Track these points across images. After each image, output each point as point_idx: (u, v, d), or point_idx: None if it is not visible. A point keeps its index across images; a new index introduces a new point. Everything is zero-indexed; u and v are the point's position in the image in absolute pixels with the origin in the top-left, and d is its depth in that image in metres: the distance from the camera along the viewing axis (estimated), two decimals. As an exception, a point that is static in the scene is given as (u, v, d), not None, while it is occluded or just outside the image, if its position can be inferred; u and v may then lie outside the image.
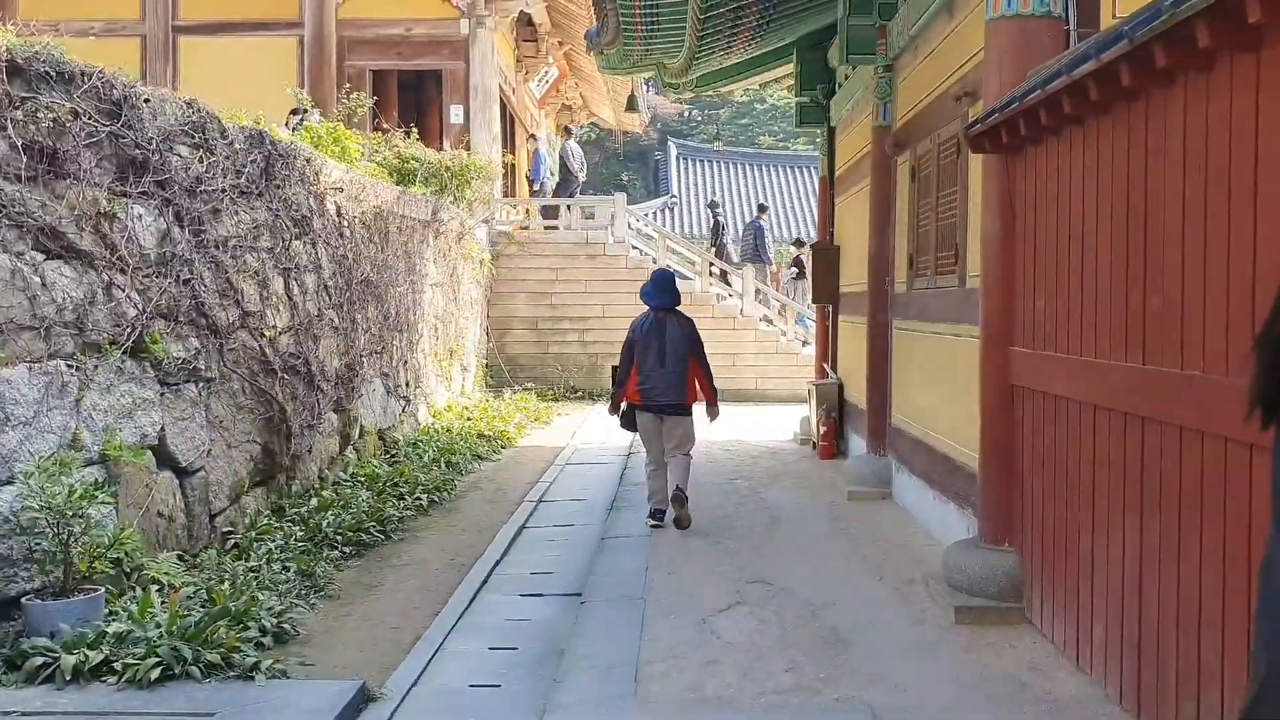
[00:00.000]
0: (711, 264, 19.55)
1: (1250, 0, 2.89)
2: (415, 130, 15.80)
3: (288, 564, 6.69)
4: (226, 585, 5.98)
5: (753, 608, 5.79)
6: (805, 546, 7.30)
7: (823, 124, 12.38)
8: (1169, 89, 3.68)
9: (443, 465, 10.59)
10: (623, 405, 8.14)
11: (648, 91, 31.74)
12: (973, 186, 6.46)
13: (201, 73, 18.25)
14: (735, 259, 21.14)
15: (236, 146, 7.75)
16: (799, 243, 24.15)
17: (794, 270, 21.98)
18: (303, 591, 6.30)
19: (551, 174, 21.75)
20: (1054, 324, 4.92)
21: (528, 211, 19.90)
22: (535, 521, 8.53)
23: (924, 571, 6.24)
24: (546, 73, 26.80)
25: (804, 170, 37.25)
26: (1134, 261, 4.01)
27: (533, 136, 19.60)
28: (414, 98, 20.89)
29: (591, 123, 35.17)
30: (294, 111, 13.90)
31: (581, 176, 20.88)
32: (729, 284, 19.37)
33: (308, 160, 9.12)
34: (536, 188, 21.20)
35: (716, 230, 22.17)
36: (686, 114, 57.06)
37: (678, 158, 38.03)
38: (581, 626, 5.59)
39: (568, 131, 19.36)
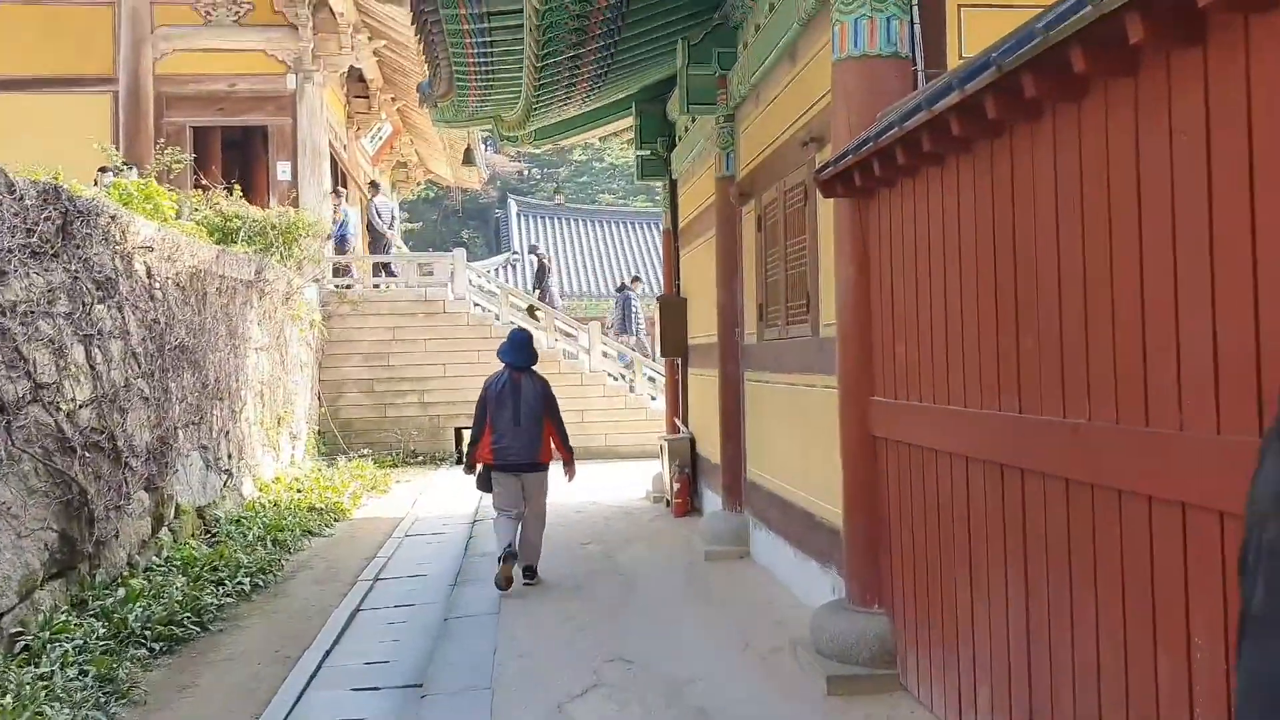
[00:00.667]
0: (535, 308, 19.19)
1: (1131, 21, 2.66)
2: (239, 188, 15.00)
3: (86, 667, 5.89)
4: (9, 699, 5.20)
5: (611, 689, 5.33)
6: (664, 615, 6.88)
7: (664, 176, 12.21)
8: (1037, 121, 3.47)
9: (269, 544, 9.79)
10: (478, 466, 8.09)
11: (485, 150, 31.43)
12: (823, 233, 6.25)
13: (5, 132, 16.96)
14: (559, 303, 20.96)
15: (27, 203, 6.98)
16: (622, 287, 24.33)
17: (619, 310, 21.88)
18: (101, 699, 5.53)
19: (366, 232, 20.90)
20: (917, 372, 4.67)
21: (357, 269, 19.12)
22: (371, 602, 7.87)
23: (791, 638, 5.89)
24: (380, 129, 26.15)
25: (643, 226, 37.50)
26: (1003, 302, 3.78)
27: (335, 191, 18.68)
28: (239, 155, 19.97)
29: (429, 180, 34.56)
30: (103, 169, 12.96)
31: (392, 234, 20.11)
32: (573, 337, 18.99)
33: (113, 218, 8.35)
34: (347, 249, 19.90)
35: (541, 273, 21.88)
36: (526, 173, 57.04)
37: (518, 215, 37.72)
38: (421, 724, 5.03)
39: (374, 187, 18.60)
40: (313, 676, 6.02)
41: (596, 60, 9.72)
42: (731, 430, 8.83)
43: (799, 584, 6.94)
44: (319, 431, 16.60)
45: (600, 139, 13.85)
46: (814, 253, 6.45)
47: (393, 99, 24.30)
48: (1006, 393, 3.83)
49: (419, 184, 34.97)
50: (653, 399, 18.33)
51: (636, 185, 56.31)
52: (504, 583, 7.59)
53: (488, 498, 8.45)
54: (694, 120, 10.32)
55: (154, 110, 18.47)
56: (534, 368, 8.10)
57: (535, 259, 23.27)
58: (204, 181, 15.69)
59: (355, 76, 23.02)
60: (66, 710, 5.19)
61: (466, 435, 9.07)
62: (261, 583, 8.43)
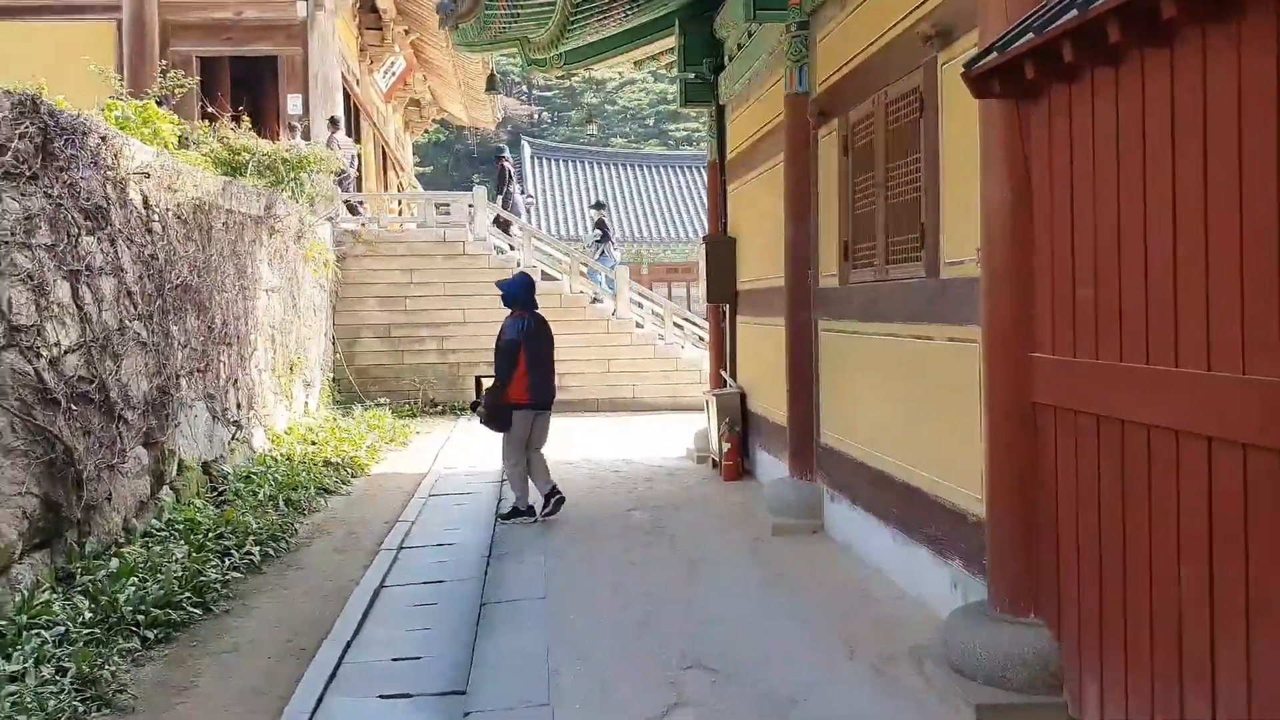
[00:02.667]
0: (585, 265, 18.09)
1: None
2: (249, 120, 13.92)
3: (66, 663, 4.94)
4: (-36, 710, 4.27)
5: (699, 710, 4.36)
6: (740, 605, 5.89)
7: (709, 103, 11.06)
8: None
9: (281, 504, 8.84)
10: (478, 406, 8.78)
11: (500, 94, 30.08)
12: (948, 150, 5.19)
13: (4, 61, 15.80)
14: (614, 258, 19.85)
15: (-3, 114, 5.94)
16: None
17: (598, 233, 20.54)
18: (79, 709, 4.58)
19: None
20: (1116, 321, 3.63)
21: (371, 207, 18.00)
22: (396, 577, 6.91)
23: (910, 645, 4.90)
24: (393, 63, 24.95)
25: (660, 169, 36.31)
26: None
27: (333, 122, 17.44)
28: (249, 90, 18.80)
29: (441, 120, 33.36)
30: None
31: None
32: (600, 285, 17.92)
33: (103, 138, 7.29)
34: (346, 186, 18.90)
35: (605, 232, 20.58)
36: (536, 116, 55.79)
37: (532, 157, 36.43)
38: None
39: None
40: (332, 676, 5.07)
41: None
42: (801, 387, 7.80)
43: (901, 572, 5.94)
44: (334, 379, 15.64)
45: (636, 64, 12.67)
46: (932, 175, 5.38)
47: (406, 31, 23.09)
48: (1256, 351, 2.82)
49: (432, 124, 33.76)
50: (682, 348, 17.31)
51: (651, 129, 54.96)
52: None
53: None
54: (750, 35, 9.18)
55: (159, 39, 17.39)
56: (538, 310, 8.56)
57: (595, 214, 21.92)
58: (209, 110, 14.59)
59: (368, 8, 21.82)
60: (36, 723, 4.25)
61: (486, 385, 8.87)
62: (273, 551, 7.49)
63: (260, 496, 8.93)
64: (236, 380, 10.29)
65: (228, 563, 6.97)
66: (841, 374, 7.15)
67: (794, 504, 7.65)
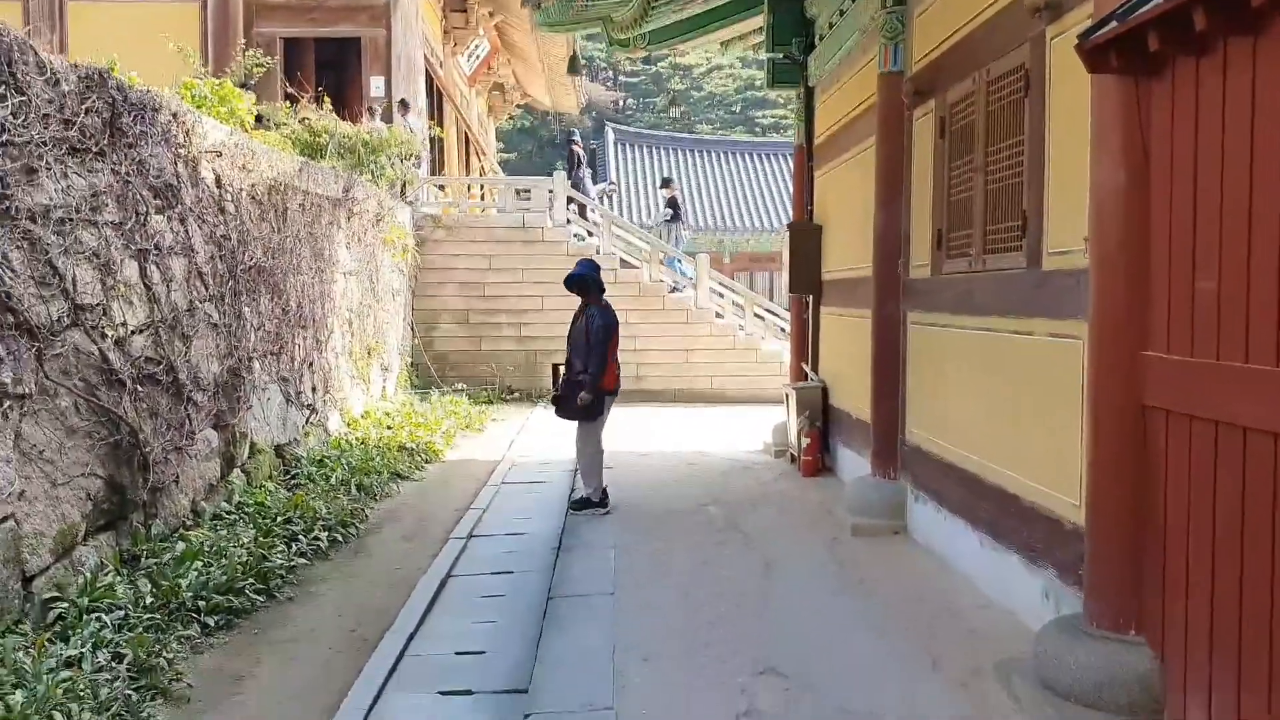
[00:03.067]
0: (647, 241, 17.79)
1: None
2: (329, 101, 13.92)
3: (123, 649, 4.84)
4: (19, 695, 4.17)
5: (771, 721, 4.09)
6: (816, 609, 5.60)
7: (798, 84, 10.69)
8: None
9: (353, 488, 8.76)
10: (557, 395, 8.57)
11: (584, 78, 29.92)
12: (1055, 130, 4.82)
13: (91, 41, 16.04)
14: (683, 238, 19.51)
15: (64, 89, 5.85)
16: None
17: (668, 212, 20.02)
18: (134, 699, 4.47)
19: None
20: (1232, 317, 3.27)
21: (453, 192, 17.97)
22: (464, 567, 6.75)
23: (996, 658, 4.57)
24: (477, 46, 24.90)
25: (747, 156, 35.77)
26: None
27: (403, 104, 17.24)
28: (333, 70, 18.90)
29: (525, 104, 33.31)
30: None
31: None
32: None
33: (174, 115, 7.21)
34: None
35: (675, 211, 20.18)
36: (621, 103, 55.60)
37: (615, 143, 36.16)
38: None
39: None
40: (393, 670, 4.90)
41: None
42: (886, 383, 7.46)
43: (989, 580, 5.60)
44: (411, 364, 15.62)
45: (722, 45, 12.34)
46: (1036, 158, 5.01)
47: (490, 13, 22.99)
48: None
49: (516, 109, 33.71)
50: (762, 339, 16.96)
51: (737, 116, 54.32)
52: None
53: None
54: (842, 13, 8.81)
55: (243, 20, 17.48)
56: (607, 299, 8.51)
57: (665, 191, 21.43)
58: (291, 92, 14.62)
59: (453, -11, 21.79)
60: (87, 714, 4.13)
61: (562, 372, 8.76)
62: (341, 537, 7.38)
63: (332, 481, 8.86)
64: (312, 363, 10.24)
65: (294, 548, 6.87)
66: (930, 369, 6.79)
67: (875, 503, 7.32)
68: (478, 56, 25.58)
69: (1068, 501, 4.60)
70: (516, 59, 26.64)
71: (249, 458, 8.38)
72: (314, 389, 10.26)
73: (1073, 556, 4.56)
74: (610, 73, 59.34)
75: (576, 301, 8.44)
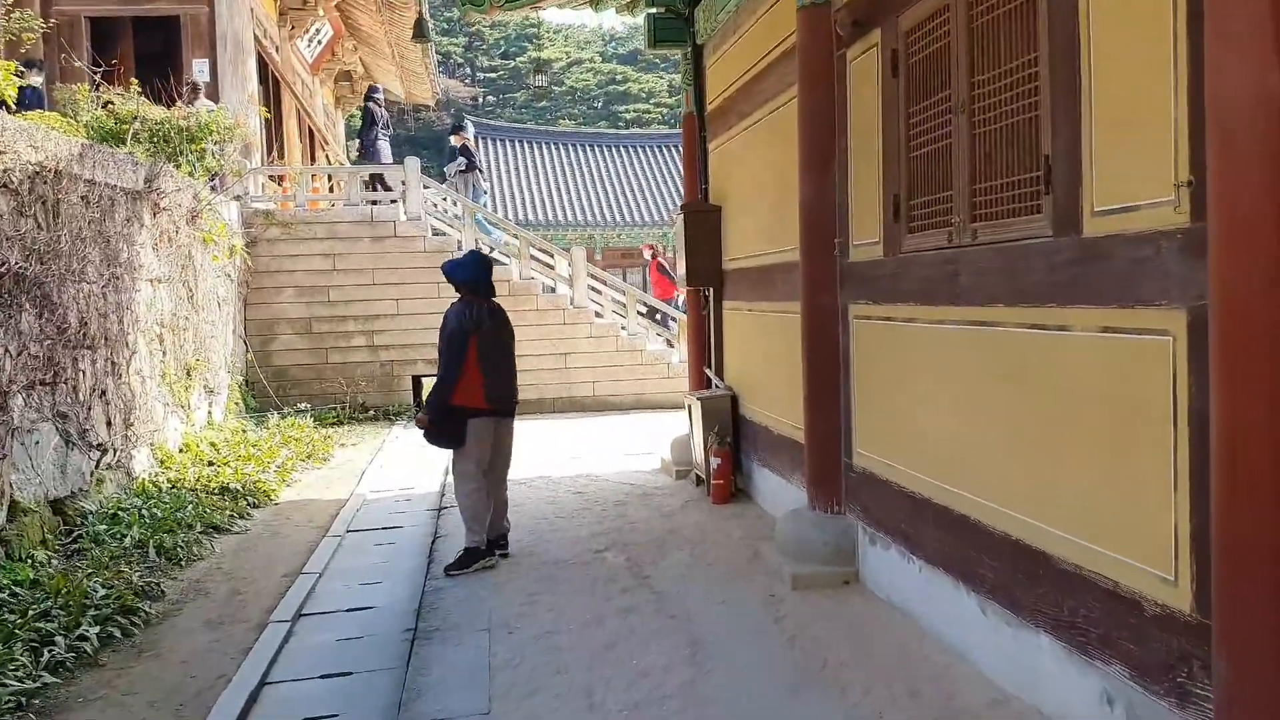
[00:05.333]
0: (516, 235, 16.02)
1: None
2: (140, 86, 11.86)
3: None
4: None
5: None
6: (775, 720, 4.04)
7: (685, 42, 9.15)
8: None
9: (151, 553, 6.87)
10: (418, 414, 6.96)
11: (440, 73, 27.86)
12: (1098, 34, 3.35)
13: None
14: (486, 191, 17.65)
15: None
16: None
17: (461, 162, 17.93)
18: None
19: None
20: None
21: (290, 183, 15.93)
22: (283, 669, 4.98)
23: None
24: (319, 30, 22.75)
25: (610, 149, 34.36)
26: None
27: (194, 85, 15.17)
28: (160, 61, 16.58)
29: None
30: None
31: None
32: (550, 266, 15.89)
33: None
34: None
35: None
36: (481, 99, 53.85)
37: (476, 137, 34.21)
38: None
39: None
40: None
41: None
42: (824, 392, 5.95)
43: (1000, 663, 4.10)
44: (245, 382, 13.57)
45: (592, 2, 10.74)
46: (1067, 79, 3.53)
47: (332, -8, 20.92)
48: None
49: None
50: (647, 339, 15.44)
51: (599, 111, 52.91)
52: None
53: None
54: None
55: (40, -3, 15.15)
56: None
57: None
58: (99, 80, 12.44)
59: (285, -37, 19.62)
60: None
61: (427, 385, 7.03)
62: (120, 631, 5.53)
63: (126, 542, 6.98)
64: (105, 392, 8.27)
65: (48, 656, 5.01)
66: (889, 376, 5.28)
67: (817, 546, 5.80)
68: (320, 41, 23.43)
69: (1152, 574, 3.15)
70: (363, 45, 24.56)
71: (8, 522, 6.46)
72: (109, 424, 8.29)
73: (1159, 651, 3.11)
74: (468, 69, 57.46)
75: (441, 304, 7.17)
